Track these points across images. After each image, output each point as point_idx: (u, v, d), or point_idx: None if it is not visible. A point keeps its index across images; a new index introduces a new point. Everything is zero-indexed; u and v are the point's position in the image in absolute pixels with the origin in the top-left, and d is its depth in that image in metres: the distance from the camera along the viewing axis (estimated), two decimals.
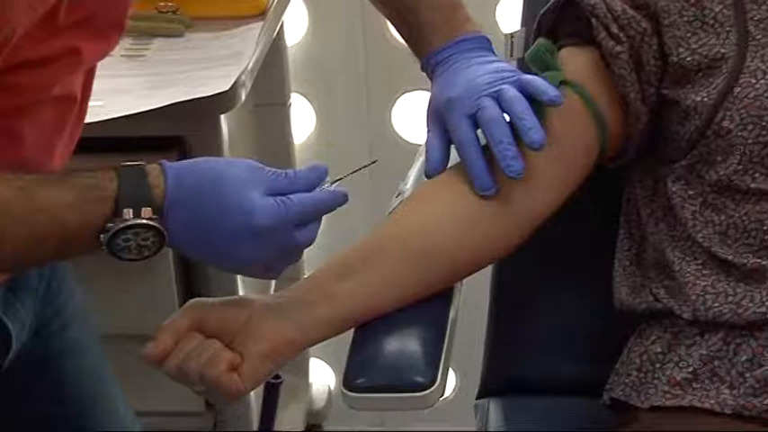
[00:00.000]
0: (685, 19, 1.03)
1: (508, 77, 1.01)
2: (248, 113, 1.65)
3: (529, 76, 1.01)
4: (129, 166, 0.89)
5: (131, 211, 0.87)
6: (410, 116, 1.79)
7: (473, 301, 1.13)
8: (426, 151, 1.06)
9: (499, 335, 1.24)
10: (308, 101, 1.80)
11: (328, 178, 0.94)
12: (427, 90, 1.83)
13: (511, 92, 0.99)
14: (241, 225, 0.88)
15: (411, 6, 1.08)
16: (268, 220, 0.88)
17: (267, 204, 0.89)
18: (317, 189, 0.93)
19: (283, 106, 1.71)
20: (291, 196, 0.90)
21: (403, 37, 1.12)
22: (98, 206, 0.87)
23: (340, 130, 1.81)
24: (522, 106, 0.98)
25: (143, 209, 0.87)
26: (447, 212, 1.01)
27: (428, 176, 1.05)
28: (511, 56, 1.23)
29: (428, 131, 1.07)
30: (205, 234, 0.89)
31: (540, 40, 1.09)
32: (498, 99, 0.99)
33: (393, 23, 1.13)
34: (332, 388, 1.91)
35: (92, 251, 0.88)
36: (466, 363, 1.27)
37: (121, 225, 0.87)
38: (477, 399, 1.24)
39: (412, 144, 1.79)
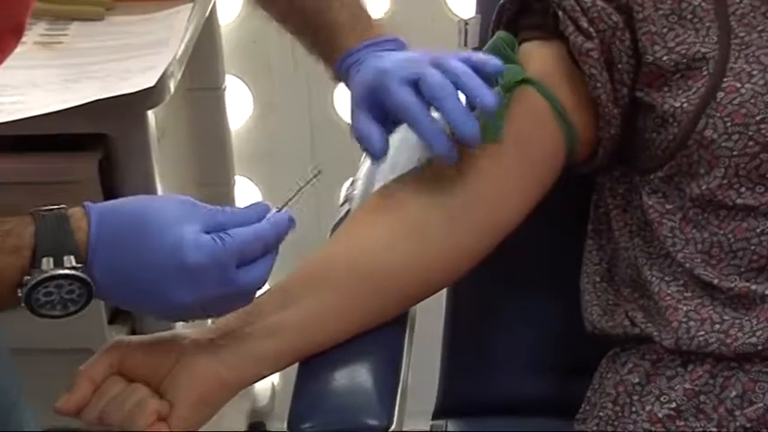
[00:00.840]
0: (661, 13, 0.92)
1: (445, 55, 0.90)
2: (180, 99, 1.54)
3: (469, 52, 0.90)
4: (47, 210, 0.78)
5: (51, 260, 0.76)
6: None
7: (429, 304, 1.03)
8: (363, 139, 0.91)
9: (456, 350, 1.14)
10: (245, 83, 1.68)
11: (273, 210, 0.84)
12: None
13: (454, 62, 0.87)
14: (168, 263, 0.78)
15: (320, 8, 0.96)
16: (200, 257, 0.78)
17: (201, 240, 0.78)
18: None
19: (218, 90, 1.60)
20: (230, 231, 0.79)
21: (306, 43, 0.99)
22: (12, 257, 0.76)
23: (280, 115, 1.70)
24: (468, 77, 0.86)
25: (65, 257, 0.76)
26: (395, 229, 0.91)
27: (376, 163, 0.94)
28: (465, 44, 1.14)
29: (355, 120, 0.93)
30: (129, 276, 0.78)
31: (500, 33, 0.98)
32: (441, 69, 0.88)
33: (295, 29, 1.00)
34: (275, 385, 1.83)
35: (10, 307, 0.78)
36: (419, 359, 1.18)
37: (40, 277, 0.76)
38: (433, 419, 1.15)
39: None
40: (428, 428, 1.14)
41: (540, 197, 0.95)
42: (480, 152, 0.92)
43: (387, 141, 0.91)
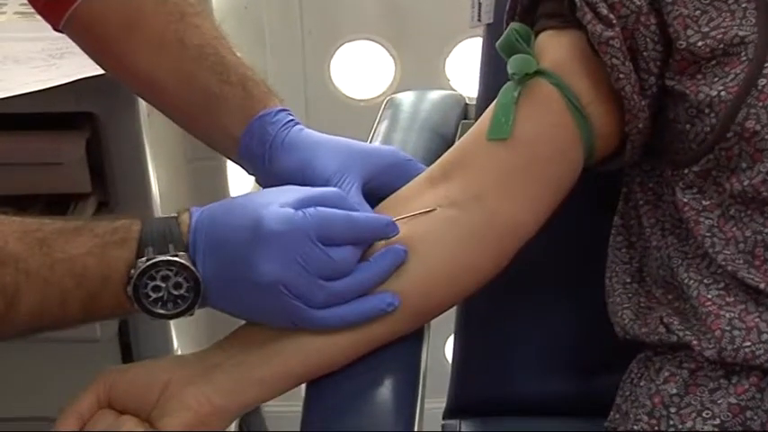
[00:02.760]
0: None
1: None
2: None
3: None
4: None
5: (155, 249, 0.77)
6: (352, 69, 1.62)
7: None
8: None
9: (469, 348, 1.08)
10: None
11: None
12: (371, 40, 1.67)
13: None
14: (248, 235, 0.77)
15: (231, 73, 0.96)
16: (276, 225, 0.76)
17: (281, 212, 0.77)
18: None
19: None
20: (319, 208, 0.78)
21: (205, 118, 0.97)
22: (120, 250, 0.77)
23: (273, 85, 1.62)
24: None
25: (169, 245, 0.77)
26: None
27: None
28: (479, 19, 1.08)
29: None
30: (221, 257, 0.77)
31: (513, 24, 0.89)
32: None
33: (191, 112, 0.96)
34: None
35: (122, 306, 0.78)
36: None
37: (144, 265, 0.76)
38: (444, 419, 1.09)
39: (354, 100, 1.63)
40: (439, 428, 1.09)
41: (556, 199, 0.87)
42: (486, 150, 0.85)
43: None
